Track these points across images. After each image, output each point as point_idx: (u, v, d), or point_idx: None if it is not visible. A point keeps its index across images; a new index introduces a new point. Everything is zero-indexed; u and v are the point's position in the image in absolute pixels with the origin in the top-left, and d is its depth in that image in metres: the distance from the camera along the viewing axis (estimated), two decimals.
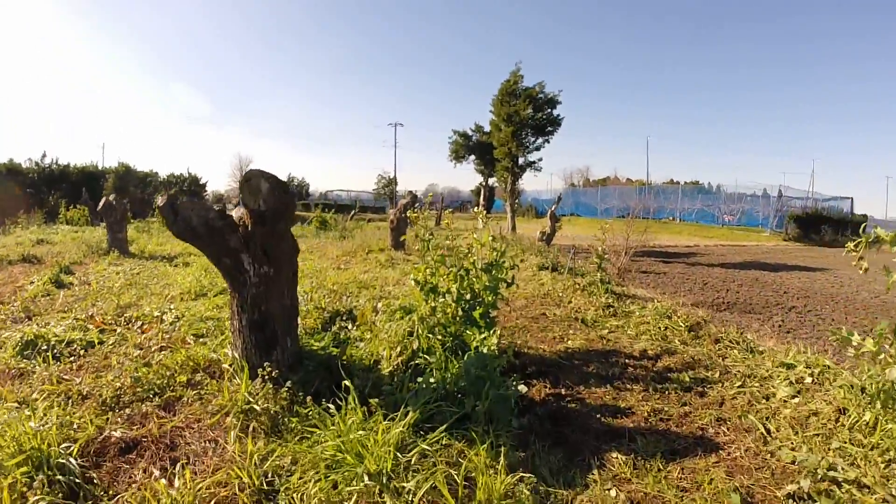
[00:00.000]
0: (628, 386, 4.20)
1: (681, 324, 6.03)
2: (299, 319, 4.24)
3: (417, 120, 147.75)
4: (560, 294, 8.11)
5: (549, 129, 22.62)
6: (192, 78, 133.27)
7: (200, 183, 49.75)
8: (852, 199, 33.58)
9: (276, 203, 3.40)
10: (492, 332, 4.17)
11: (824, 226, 28.29)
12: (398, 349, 4.09)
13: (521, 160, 22.79)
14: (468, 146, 28.11)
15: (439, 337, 4.22)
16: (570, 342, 5.48)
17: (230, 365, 3.76)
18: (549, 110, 22.49)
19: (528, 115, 21.62)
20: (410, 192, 12.39)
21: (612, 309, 7.00)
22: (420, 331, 4.20)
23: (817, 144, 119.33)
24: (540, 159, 23.08)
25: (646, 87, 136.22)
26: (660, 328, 5.97)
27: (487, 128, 28.24)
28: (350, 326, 5.25)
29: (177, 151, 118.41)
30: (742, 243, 24.23)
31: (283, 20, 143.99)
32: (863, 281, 12.42)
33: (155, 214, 20.34)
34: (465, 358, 3.64)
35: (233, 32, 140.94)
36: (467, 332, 4.23)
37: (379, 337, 4.50)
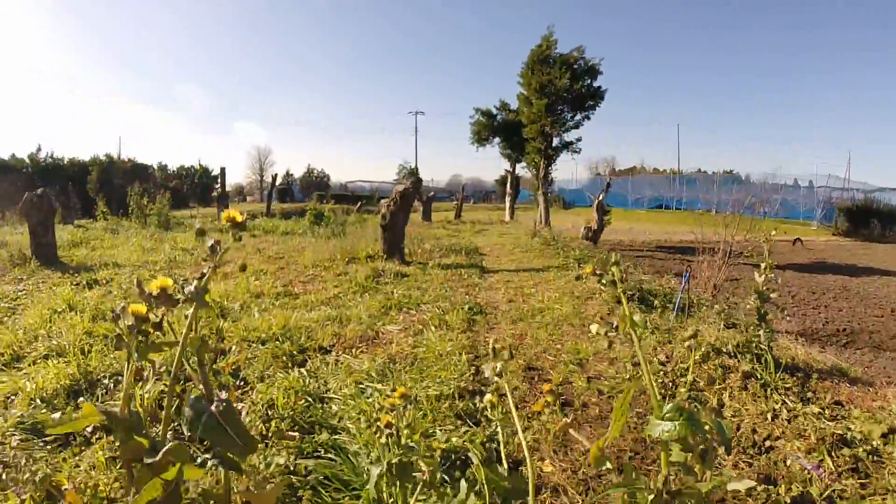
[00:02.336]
0: None
1: None
2: None
3: (440, 108, 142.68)
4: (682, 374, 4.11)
5: (590, 102, 18.39)
6: (212, 71, 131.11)
7: (212, 175, 46.71)
8: None
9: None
10: None
11: (873, 219, 25.66)
12: None
13: (555, 140, 18.64)
14: (492, 127, 23.93)
15: None
16: None
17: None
18: (589, 81, 18.25)
19: (564, 86, 17.44)
20: (412, 173, 8.44)
21: (798, 426, 2.99)
22: None
23: (847, 133, 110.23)
24: (578, 139, 18.91)
25: (671, 73, 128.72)
26: None
27: (514, 105, 24.05)
28: None
29: (193, 145, 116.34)
30: (790, 238, 21.59)
31: (301, 9, 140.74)
32: None
33: (147, 210, 17.01)
34: None
35: (253, 24, 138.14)
36: None
37: None
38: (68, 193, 25.15)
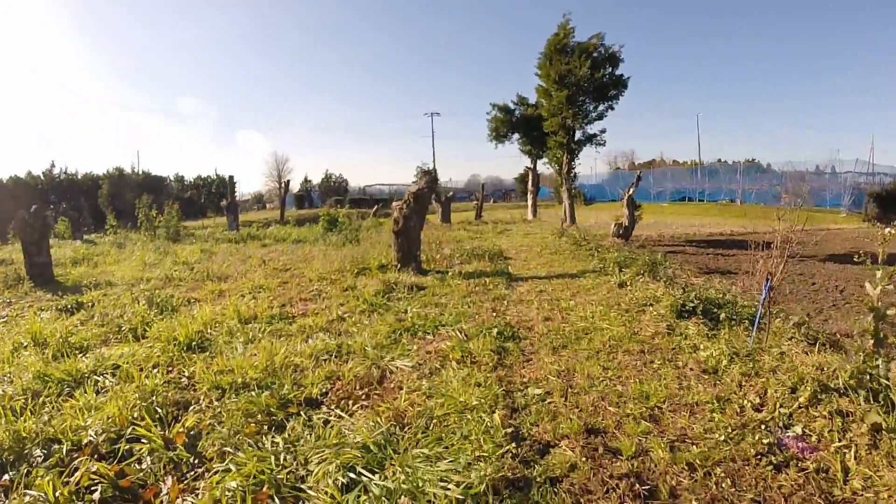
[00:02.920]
0: None
1: None
2: None
3: (458, 109, 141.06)
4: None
5: (613, 92, 17.16)
6: (232, 78, 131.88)
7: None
8: None
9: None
10: None
11: None
12: None
13: (577, 133, 17.45)
14: (511, 122, 22.73)
15: None
16: None
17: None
18: (611, 69, 17.02)
19: (584, 75, 16.25)
20: (426, 172, 7.46)
21: None
22: None
23: (868, 117, 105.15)
24: (602, 131, 17.66)
25: (687, 65, 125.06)
26: None
27: (532, 99, 22.87)
28: None
29: (211, 155, 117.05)
30: (824, 226, 19.69)
31: (318, 14, 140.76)
32: None
33: (156, 222, 16.33)
34: None
35: (267, 29, 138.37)
36: None
37: None
38: (80, 208, 24.80)
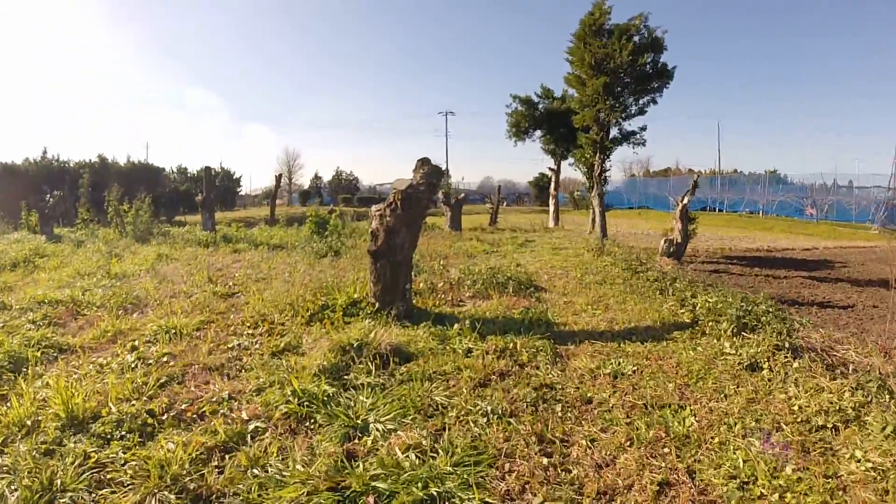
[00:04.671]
0: None
1: None
2: None
3: (474, 108, 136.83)
4: None
5: (655, 83, 14.22)
6: (242, 75, 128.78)
7: (234, 178, 44.07)
8: None
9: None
10: None
11: None
12: None
13: (613, 130, 14.52)
14: (533, 117, 19.57)
15: None
16: None
17: None
18: (654, 56, 14.08)
19: (625, 62, 13.34)
20: (425, 161, 4.73)
21: None
22: None
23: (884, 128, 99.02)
24: (643, 129, 14.70)
25: (704, 70, 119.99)
26: None
27: (559, 91, 19.88)
28: None
29: (225, 147, 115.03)
30: (858, 244, 18.98)
31: (330, 14, 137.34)
32: None
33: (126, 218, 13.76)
34: None
35: (280, 20, 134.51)
36: None
37: None
38: (64, 199, 22.40)
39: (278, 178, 20.61)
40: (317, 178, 66.91)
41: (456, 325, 4.49)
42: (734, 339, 4.19)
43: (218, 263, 9.12)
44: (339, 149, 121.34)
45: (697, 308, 5.05)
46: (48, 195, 25.16)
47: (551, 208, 20.79)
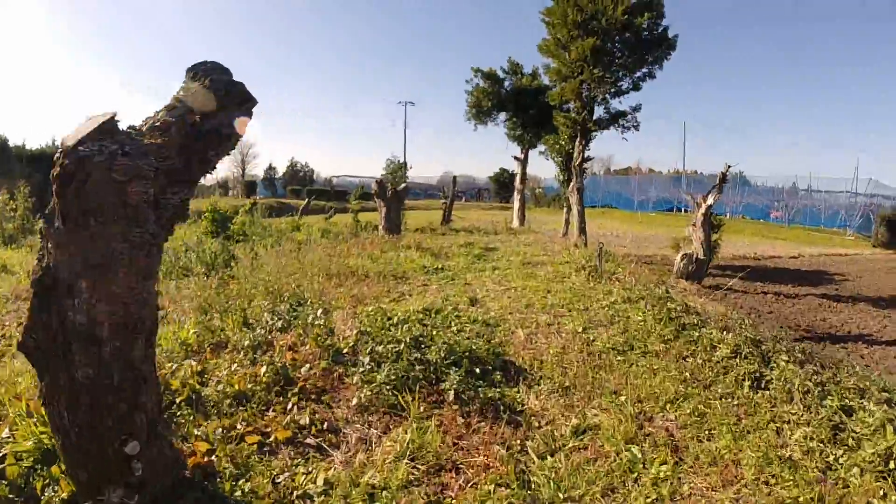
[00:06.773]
0: None
1: None
2: None
3: (432, 102, 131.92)
4: None
5: (654, 53, 11.17)
6: (197, 56, 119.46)
7: None
8: None
9: None
10: None
11: None
12: None
13: (598, 109, 11.41)
14: (498, 96, 16.23)
15: None
16: None
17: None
18: (654, 19, 11.02)
19: (620, 19, 10.23)
20: (193, 68, 1.17)
21: None
22: None
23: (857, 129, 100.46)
24: (636, 108, 11.63)
25: (671, 69, 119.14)
26: None
27: (528, 67, 16.61)
28: None
29: None
30: (839, 251, 18.88)
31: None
32: None
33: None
34: None
35: (231, 19, 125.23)
36: None
37: None
38: None
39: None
40: (271, 168, 62.43)
41: None
42: None
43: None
44: (297, 141, 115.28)
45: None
46: None
47: (516, 205, 17.53)
